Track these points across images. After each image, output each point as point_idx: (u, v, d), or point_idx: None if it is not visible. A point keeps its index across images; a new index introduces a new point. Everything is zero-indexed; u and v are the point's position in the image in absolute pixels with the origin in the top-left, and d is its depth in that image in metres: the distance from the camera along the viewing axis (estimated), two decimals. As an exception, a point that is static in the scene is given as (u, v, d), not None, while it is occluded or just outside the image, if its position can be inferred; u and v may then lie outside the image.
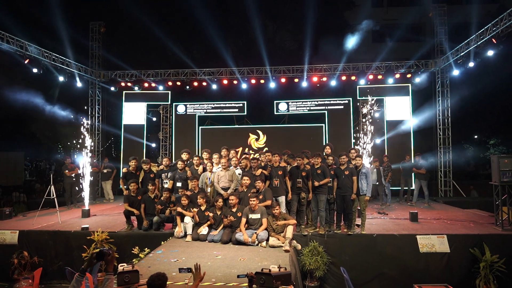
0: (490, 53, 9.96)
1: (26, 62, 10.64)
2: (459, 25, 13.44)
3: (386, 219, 8.91)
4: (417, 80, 13.06)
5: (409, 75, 13.12)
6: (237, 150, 9.08)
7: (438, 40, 13.09)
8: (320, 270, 6.77)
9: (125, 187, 8.13)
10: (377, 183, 10.71)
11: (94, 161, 12.19)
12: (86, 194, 9.93)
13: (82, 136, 10.25)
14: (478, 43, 10.24)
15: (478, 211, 9.99)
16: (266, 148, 13.32)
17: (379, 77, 13.17)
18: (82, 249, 7.22)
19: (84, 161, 10.00)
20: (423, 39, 17.16)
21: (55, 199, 8.86)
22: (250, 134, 14.07)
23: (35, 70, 10.93)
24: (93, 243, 7.21)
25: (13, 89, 16.07)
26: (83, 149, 10.05)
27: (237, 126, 14.49)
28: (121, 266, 4.59)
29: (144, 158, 8.65)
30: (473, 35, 10.52)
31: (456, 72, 11.85)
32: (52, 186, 8.84)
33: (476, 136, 23.27)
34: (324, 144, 13.29)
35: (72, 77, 12.78)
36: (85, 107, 14.16)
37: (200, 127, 14.38)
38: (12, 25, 11.52)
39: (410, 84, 13.39)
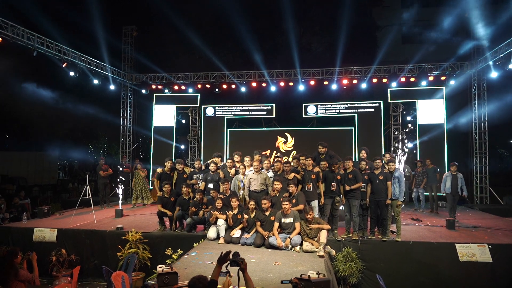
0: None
1: (64, 65, 11.03)
2: (499, 25, 12.91)
3: (421, 226, 8.64)
4: (452, 82, 12.65)
5: (443, 78, 12.71)
6: (264, 153, 9.07)
7: (475, 41, 12.62)
8: (354, 276, 6.64)
9: (158, 188, 8.26)
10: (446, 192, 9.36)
11: (126, 162, 12.49)
12: (120, 194, 10.16)
13: (122, 140, 10.50)
14: (520, 44, 9.82)
15: (519, 220, 9.54)
16: (294, 152, 13.27)
17: (412, 79, 12.82)
18: (116, 249, 7.37)
19: (122, 164, 10.29)
20: (458, 40, 16.61)
21: (91, 198, 9.12)
22: (278, 136, 14.00)
23: (71, 74, 11.31)
24: (128, 243, 7.35)
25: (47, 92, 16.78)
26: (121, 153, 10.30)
27: (265, 128, 14.46)
28: (159, 267, 4.64)
29: (178, 159, 8.75)
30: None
31: (494, 74, 11.37)
32: (88, 186, 9.10)
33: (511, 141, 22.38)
34: (354, 148, 13.14)
35: (106, 80, 13.15)
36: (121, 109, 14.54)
37: (228, 130, 14.44)
38: (51, 30, 12.00)
39: (444, 87, 12.97)
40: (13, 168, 19.07)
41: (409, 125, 13.76)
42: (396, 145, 13.26)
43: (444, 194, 9.53)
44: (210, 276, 4.69)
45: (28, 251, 5.32)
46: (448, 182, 9.24)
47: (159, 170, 8.53)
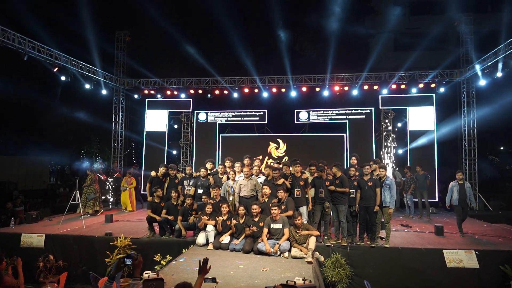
0: (520, 62, 9.70)
1: (55, 70, 10.98)
2: (487, 34, 13.13)
3: (410, 232, 8.70)
4: (441, 90, 12.81)
5: (433, 85, 12.87)
6: (257, 158, 9.07)
7: (464, 49, 12.84)
8: (342, 282, 6.65)
9: (149, 193, 8.24)
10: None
11: (117, 167, 12.42)
12: (110, 200, 10.11)
13: (114, 145, 10.43)
14: (507, 53, 9.98)
15: (506, 226, 9.64)
16: (286, 157, 13.30)
17: (402, 86, 12.96)
18: (105, 255, 7.30)
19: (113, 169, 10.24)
20: (448, 48, 16.84)
21: (80, 204, 9.05)
22: (270, 142, 14.02)
23: (63, 78, 11.27)
24: (116, 249, 7.29)
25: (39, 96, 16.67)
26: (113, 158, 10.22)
27: (257, 134, 14.49)
28: (146, 273, 4.60)
29: (172, 164, 8.74)
30: (501, 44, 10.27)
31: (483, 82, 11.56)
32: (77, 191, 9.04)
33: (502, 148, 22.59)
34: (343, 153, 13.20)
35: (98, 85, 13.13)
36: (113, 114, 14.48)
37: (220, 135, 14.43)
38: (43, 34, 11.95)
39: (434, 94, 13.12)
40: (4, 172, 18.80)
41: (401, 130, 13.88)
42: (387, 151, 13.36)
43: (448, 207, 8.51)
44: (194, 284, 4.70)
45: (13, 257, 5.25)
46: (455, 193, 8.27)
47: (152, 173, 8.50)
